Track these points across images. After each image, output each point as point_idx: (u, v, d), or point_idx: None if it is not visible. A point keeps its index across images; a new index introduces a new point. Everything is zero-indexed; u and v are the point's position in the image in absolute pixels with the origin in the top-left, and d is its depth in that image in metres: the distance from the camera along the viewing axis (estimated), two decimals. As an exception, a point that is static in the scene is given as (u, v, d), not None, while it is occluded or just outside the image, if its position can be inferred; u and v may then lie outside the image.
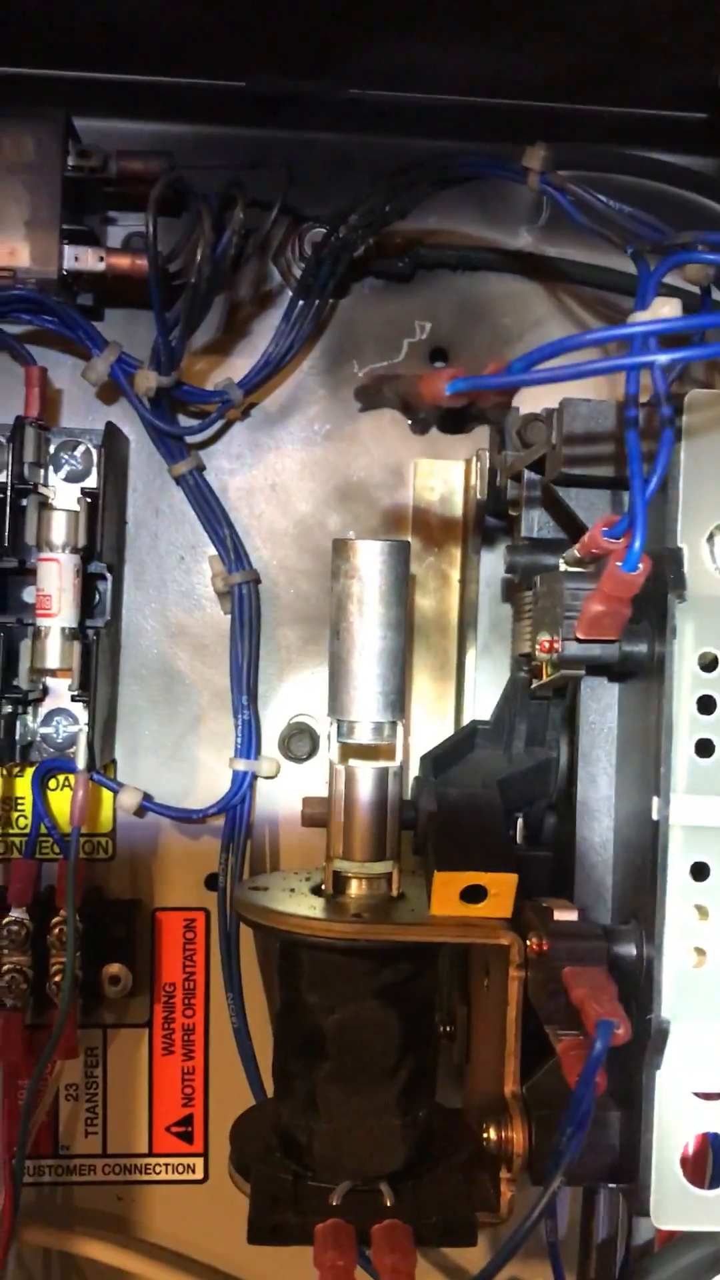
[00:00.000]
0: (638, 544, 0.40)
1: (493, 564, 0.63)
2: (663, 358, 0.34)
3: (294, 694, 0.64)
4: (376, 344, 0.63)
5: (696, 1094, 0.44)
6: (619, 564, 0.41)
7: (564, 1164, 0.41)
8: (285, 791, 0.64)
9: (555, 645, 0.45)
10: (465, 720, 0.64)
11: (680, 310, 0.40)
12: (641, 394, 0.41)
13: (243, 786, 0.62)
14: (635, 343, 0.37)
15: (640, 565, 0.40)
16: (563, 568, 0.47)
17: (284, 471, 0.64)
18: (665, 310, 0.40)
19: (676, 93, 0.57)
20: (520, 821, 0.57)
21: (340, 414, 0.63)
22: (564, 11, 0.51)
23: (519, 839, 0.57)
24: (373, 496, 0.64)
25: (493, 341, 0.64)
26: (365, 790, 0.52)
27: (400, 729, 0.52)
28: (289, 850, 0.64)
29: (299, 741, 0.64)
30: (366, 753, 0.52)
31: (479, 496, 0.61)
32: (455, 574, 0.64)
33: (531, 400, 0.61)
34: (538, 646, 0.46)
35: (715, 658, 0.44)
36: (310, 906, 0.51)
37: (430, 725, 0.64)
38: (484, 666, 0.64)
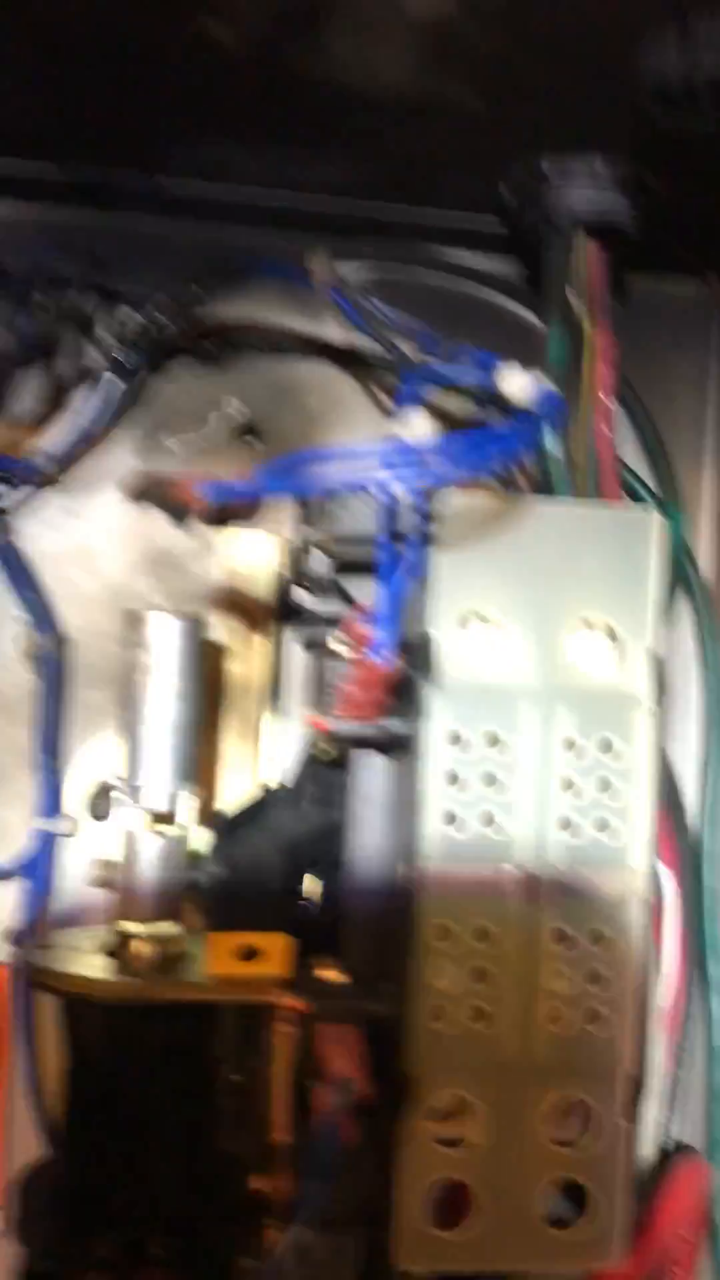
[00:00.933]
0: (384, 636, 0.44)
1: (295, 630, 0.67)
2: (392, 477, 0.38)
3: (98, 755, 0.66)
4: (189, 420, 0.66)
5: (439, 1141, 0.48)
6: (370, 653, 0.44)
7: (301, 1212, 0.43)
8: (88, 850, 0.65)
9: (324, 724, 0.49)
10: (257, 778, 0.66)
11: (430, 425, 0.43)
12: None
13: (44, 845, 0.63)
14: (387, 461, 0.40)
15: (386, 655, 0.44)
16: (332, 646, 0.51)
17: (94, 538, 0.66)
18: (417, 422, 0.44)
19: (470, 200, 0.61)
20: (309, 881, 0.60)
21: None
22: (346, 131, 0.55)
23: (308, 895, 0.60)
24: (182, 564, 0.66)
25: (300, 420, 0.67)
26: (151, 855, 0.54)
27: (188, 796, 0.55)
28: (92, 909, 0.65)
29: (102, 801, 0.66)
30: (155, 818, 0.55)
31: (281, 569, 0.64)
32: (259, 640, 0.66)
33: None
34: (312, 724, 0.49)
35: (460, 735, 0.47)
36: (90, 966, 0.54)
37: (233, 784, 0.66)
38: (286, 727, 0.67)
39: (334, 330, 0.67)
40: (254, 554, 0.66)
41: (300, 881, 0.59)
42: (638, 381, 0.66)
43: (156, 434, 0.66)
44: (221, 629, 0.66)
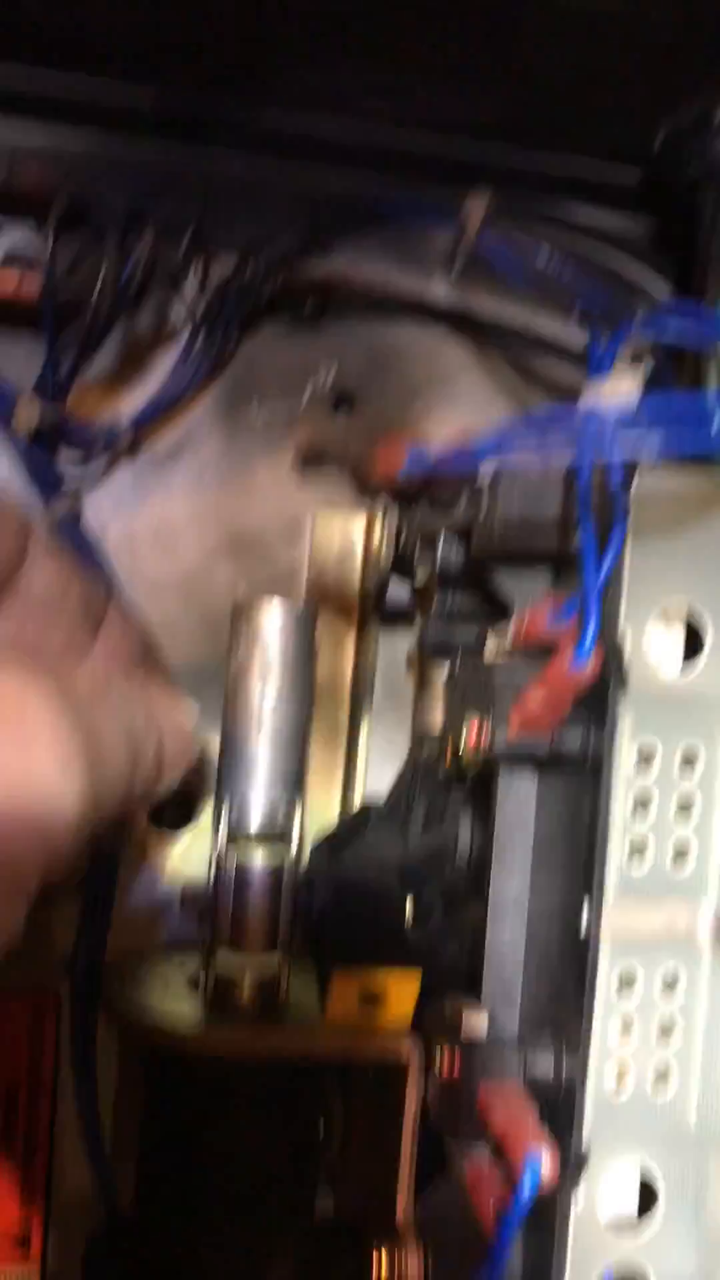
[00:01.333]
0: (589, 639, 0.37)
1: (391, 628, 0.60)
2: (645, 451, 0.31)
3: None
4: (279, 386, 0.59)
5: (607, 1225, 0.41)
6: (567, 659, 0.37)
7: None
8: (153, 863, 0.58)
9: (484, 739, 0.42)
10: (354, 792, 0.60)
11: (640, 383, 0.37)
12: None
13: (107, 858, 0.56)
14: (594, 429, 0.34)
15: (590, 660, 0.37)
16: (489, 651, 0.44)
17: (171, 518, 0.59)
18: (626, 382, 0.37)
19: (615, 149, 0.55)
20: (410, 903, 0.53)
21: (236, 458, 0.59)
22: (508, 55, 0.48)
23: (419, 922, 0.53)
24: (267, 549, 0.59)
25: (400, 392, 0.61)
26: (257, 877, 0.47)
27: (298, 812, 0.48)
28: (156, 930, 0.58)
29: (171, 809, 0.59)
30: (259, 837, 0.48)
31: (381, 557, 0.57)
32: (350, 637, 0.60)
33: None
34: (465, 740, 0.42)
35: (650, 754, 0.41)
36: (190, 1007, 0.46)
37: (317, 796, 0.59)
38: (376, 733, 0.60)
39: (443, 292, 0.60)
40: (349, 541, 0.59)
41: (410, 909, 0.53)
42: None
43: (244, 402, 0.59)
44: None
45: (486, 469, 0.43)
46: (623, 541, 0.38)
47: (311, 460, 0.38)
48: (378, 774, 0.60)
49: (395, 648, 0.60)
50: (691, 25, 0.44)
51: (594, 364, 0.37)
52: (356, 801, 0.60)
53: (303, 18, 0.47)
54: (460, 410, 0.61)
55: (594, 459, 0.34)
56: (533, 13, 0.44)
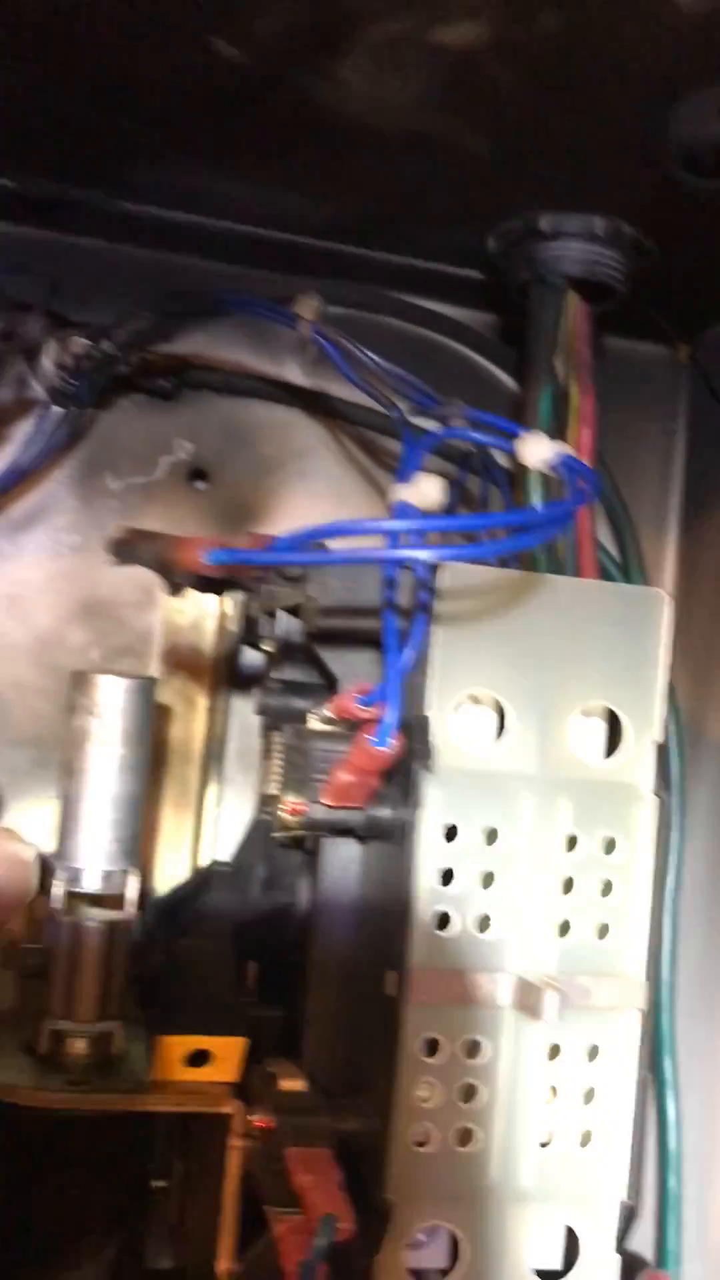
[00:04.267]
0: (390, 719, 0.39)
1: (243, 692, 0.62)
2: (423, 554, 0.34)
3: (17, 819, 0.60)
4: (134, 459, 0.61)
5: (410, 1271, 0.43)
6: (369, 738, 0.40)
7: None
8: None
9: (301, 809, 0.44)
10: (203, 853, 0.61)
11: (443, 491, 0.40)
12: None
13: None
14: (395, 538, 0.36)
15: (391, 742, 0.40)
16: (313, 724, 0.46)
17: (25, 582, 0.60)
18: (427, 488, 0.40)
19: (451, 250, 0.58)
20: (254, 969, 0.55)
21: (90, 526, 0.61)
22: (344, 167, 0.51)
23: (252, 984, 0.55)
24: (120, 615, 0.61)
25: (254, 467, 0.63)
26: (91, 945, 0.48)
27: (133, 879, 0.49)
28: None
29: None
30: (94, 902, 0.49)
31: (233, 626, 0.59)
32: (203, 702, 0.61)
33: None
34: (283, 809, 0.44)
35: (456, 828, 0.43)
36: (19, 1068, 0.47)
37: (168, 857, 0.61)
38: (227, 795, 0.62)
39: (296, 373, 0.63)
40: (201, 610, 0.61)
41: (247, 971, 0.54)
42: (604, 449, 0.64)
43: (99, 472, 0.61)
44: (162, 689, 0.60)
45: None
46: (423, 633, 0.41)
47: (122, 553, 0.40)
48: (229, 835, 0.62)
49: (248, 712, 0.62)
50: (503, 149, 0.48)
51: (401, 470, 0.40)
52: (205, 859, 0.61)
53: (155, 121, 0.50)
54: (312, 485, 0.64)
55: (397, 561, 0.37)
56: (363, 133, 0.47)
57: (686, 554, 0.68)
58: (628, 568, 0.64)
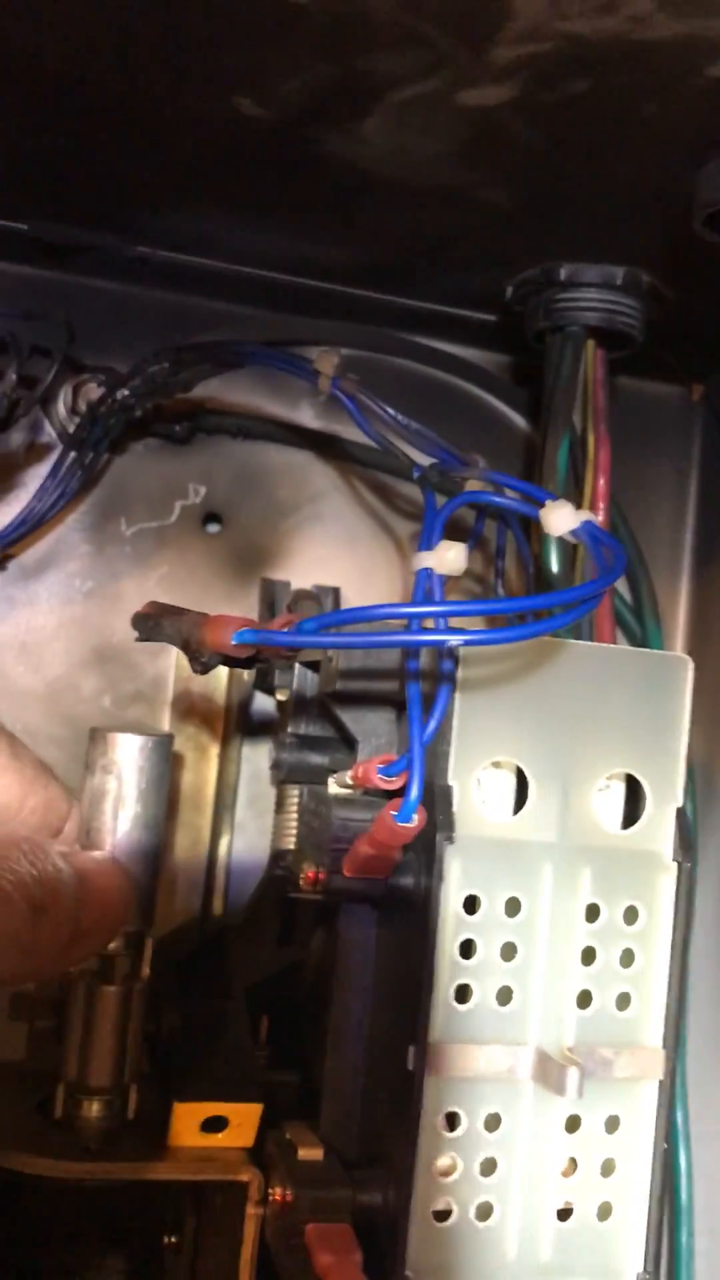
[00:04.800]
0: (414, 795, 0.39)
1: (255, 740, 0.61)
2: (454, 639, 0.33)
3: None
4: (148, 504, 0.61)
5: None
6: (393, 813, 0.39)
7: None
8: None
9: (320, 877, 0.43)
10: (215, 901, 0.61)
11: (465, 555, 0.39)
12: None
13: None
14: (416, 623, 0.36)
15: (415, 818, 0.39)
16: (332, 789, 0.46)
17: (37, 629, 0.60)
18: (450, 555, 0.39)
19: (468, 296, 0.58)
20: (266, 1024, 0.55)
21: (104, 572, 0.60)
22: (362, 217, 0.51)
23: (264, 1039, 0.54)
24: (132, 661, 0.61)
25: (268, 511, 0.63)
26: (108, 1009, 0.48)
27: (148, 942, 0.49)
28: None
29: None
30: (108, 966, 0.48)
31: (245, 674, 0.59)
32: (215, 749, 0.61)
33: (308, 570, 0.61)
34: (302, 877, 0.44)
35: (478, 899, 0.43)
36: (33, 1132, 0.47)
37: (177, 905, 0.60)
38: (238, 844, 0.62)
39: (310, 416, 0.63)
40: (213, 654, 0.60)
41: (259, 1030, 0.54)
42: (618, 491, 0.63)
43: (112, 517, 0.61)
44: (175, 736, 0.60)
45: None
46: (447, 705, 0.40)
47: (146, 629, 0.39)
48: (240, 882, 0.61)
49: (260, 760, 0.62)
50: (524, 201, 0.47)
51: (424, 537, 0.40)
52: (218, 910, 0.61)
53: (175, 171, 0.49)
54: (326, 528, 0.63)
55: (415, 644, 0.36)
56: (383, 186, 0.47)
57: (699, 595, 0.68)
58: (641, 612, 0.64)
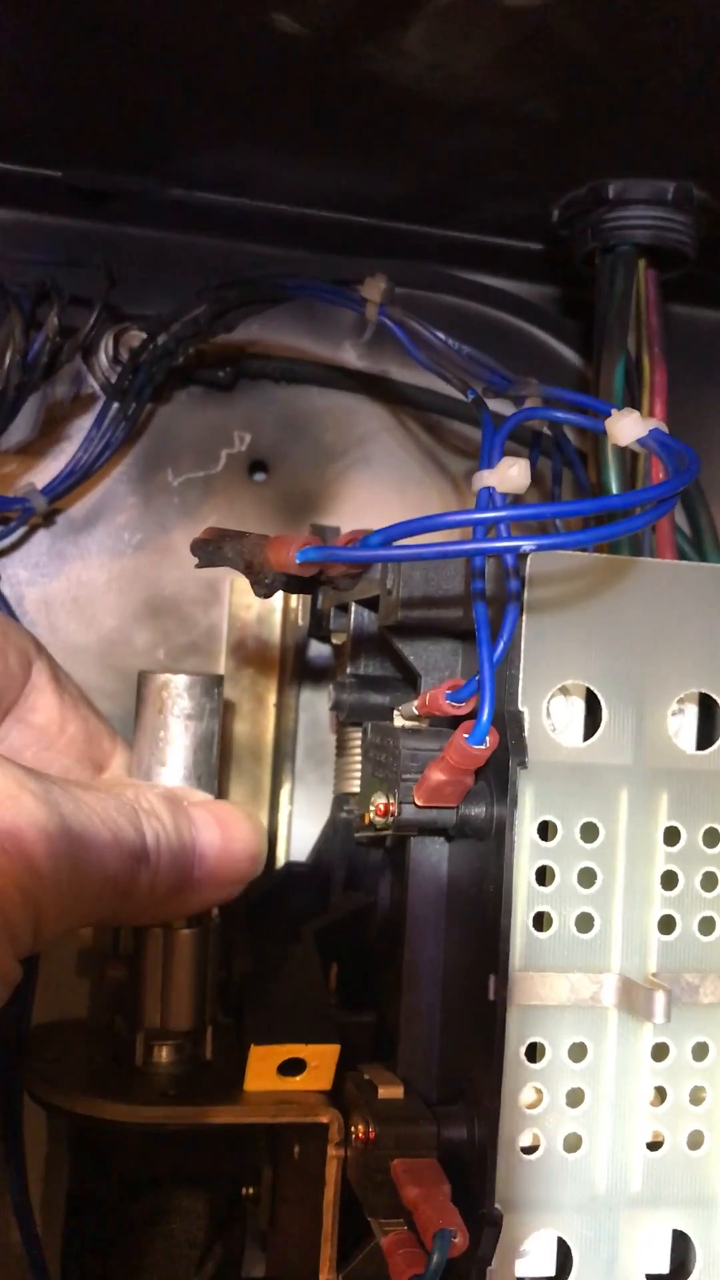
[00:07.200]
0: (485, 717, 0.38)
1: (311, 687, 0.61)
2: (527, 544, 0.32)
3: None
4: (193, 453, 0.60)
5: (523, 1281, 0.42)
6: (465, 736, 0.38)
7: None
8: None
9: (391, 809, 0.43)
10: (278, 849, 0.60)
11: (528, 472, 0.38)
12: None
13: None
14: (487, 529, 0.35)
15: (487, 740, 0.38)
16: (398, 721, 0.45)
17: (88, 584, 0.59)
18: (513, 471, 0.38)
19: (513, 223, 0.56)
20: (335, 970, 0.54)
21: (153, 524, 0.60)
22: (405, 140, 0.49)
23: (334, 986, 0.53)
24: (185, 613, 0.60)
25: (315, 456, 0.62)
26: (183, 950, 0.47)
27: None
28: (67, 991, 0.58)
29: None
30: (178, 907, 0.48)
31: (299, 620, 0.58)
32: (271, 698, 0.60)
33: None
34: (373, 809, 0.43)
35: (553, 825, 0.42)
36: (114, 1081, 0.47)
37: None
38: (299, 794, 0.61)
39: (354, 357, 0.62)
40: (267, 604, 0.60)
41: (330, 972, 0.53)
42: (672, 422, 0.62)
43: (159, 468, 0.60)
44: (231, 686, 0.59)
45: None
46: (515, 626, 0.39)
47: (206, 555, 0.38)
48: (302, 831, 0.61)
49: (317, 707, 0.61)
50: (572, 114, 0.46)
51: (484, 455, 0.38)
52: (281, 859, 0.60)
53: (209, 99, 0.48)
54: (375, 472, 0.62)
55: (485, 551, 0.35)
56: (425, 104, 0.46)
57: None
58: (700, 543, 0.62)
